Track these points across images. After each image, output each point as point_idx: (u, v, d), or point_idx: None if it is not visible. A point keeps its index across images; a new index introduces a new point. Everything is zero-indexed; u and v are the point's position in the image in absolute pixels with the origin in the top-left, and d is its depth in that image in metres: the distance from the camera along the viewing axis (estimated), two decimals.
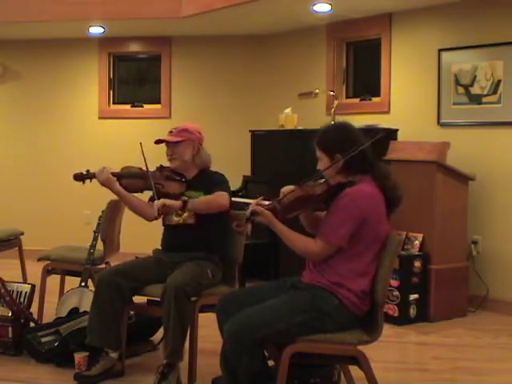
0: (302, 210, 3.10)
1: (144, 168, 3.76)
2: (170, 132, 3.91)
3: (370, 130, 5.38)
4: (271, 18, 6.10)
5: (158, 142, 3.86)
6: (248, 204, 3.05)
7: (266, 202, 2.99)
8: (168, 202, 3.60)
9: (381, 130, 5.43)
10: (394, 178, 3.11)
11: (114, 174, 3.78)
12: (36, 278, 4.59)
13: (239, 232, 3.06)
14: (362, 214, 2.92)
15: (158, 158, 3.89)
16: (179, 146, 3.83)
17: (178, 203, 3.60)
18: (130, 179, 3.81)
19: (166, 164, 3.91)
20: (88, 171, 3.83)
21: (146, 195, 3.85)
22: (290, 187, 3.03)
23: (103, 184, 3.76)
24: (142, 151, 3.70)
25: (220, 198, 3.69)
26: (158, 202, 3.57)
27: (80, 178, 3.84)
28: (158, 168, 3.89)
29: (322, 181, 3.03)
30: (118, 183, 3.78)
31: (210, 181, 3.81)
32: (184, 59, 7.15)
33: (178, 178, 3.84)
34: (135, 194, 3.86)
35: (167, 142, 3.86)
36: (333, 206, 2.99)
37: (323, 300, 2.94)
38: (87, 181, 3.83)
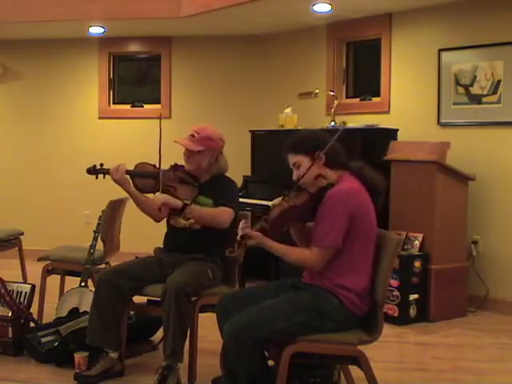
0: (291, 224, 3.12)
1: (157, 164, 3.69)
2: (192, 136, 3.76)
3: (368, 130, 5.39)
4: (271, 18, 6.10)
5: (177, 142, 3.76)
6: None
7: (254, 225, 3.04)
8: (170, 199, 3.59)
9: (378, 129, 5.45)
10: (372, 169, 3.12)
11: (128, 172, 3.73)
12: (36, 278, 4.59)
13: (232, 258, 3.13)
14: (348, 211, 2.92)
15: (167, 153, 3.74)
16: (199, 153, 3.75)
17: (178, 203, 3.59)
18: (144, 179, 3.75)
19: (180, 162, 3.84)
20: (102, 165, 3.75)
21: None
22: (276, 201, 3.07)
23: (116, 182, 3.71)
24: (160, 130, 3.59)
25: (221, 214, 3.65)
26: (161, 198, 3.57)
27: (93, 172, 3.76)
28: (172, 167, 3.81)
29: (303, 191, 3.04)
30: (131, 184, 3.73)
31: (220, 188, 3.76)
32: (184, 59, 7.15)
33: (191, 181, 3.77)
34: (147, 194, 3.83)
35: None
36: (319, 213, 2.99)
37: (323, 300, 2.95)
38: (100, 176, 3.77)
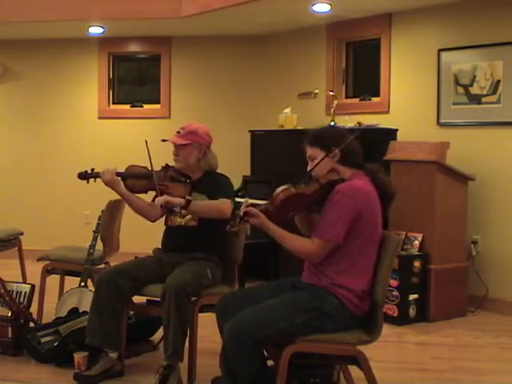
0: (295, 211, 3.10)
1: (149, 167, 3.73)
2: (178, 132, 3.84)
3: (368, 130, 5.39)
4: (271, 18, 6.10)
5: (164, 140, 3.81)
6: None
7: (259, 202, 3.01)
8: (171, 198, 3.59)
9: (378, 129, 5.45)
10: (385, 174, 3.13)
11: (118, 174, 3.76)
12: (36, 278, 4.59)
13: (233, 233, 3.10)
14: (356, 208, 2.91)
15: (162, 156, 3.83)
16: (185, 148, 3.80)
17: (181, 200, 3.58)
18: (135, 180, 3.79)
19: (172, 163, 3.88)
20: (93, 170, 3.81)
21: (149, 195, 3.84)
22: (282, 188, 3.05)
23: (107, 184, 3.75)
24: (148, 149, 3.66)
25: (223, 205, 3.68)
26: (160, 198, 3.57)
27: (84, 176, 3.82)
28: (163, 167, 3.85)
29: (313, 181, 3.04)
30: (122, 184, 3.76)
31: (214, 184, 3.79)
32: (184, 59, 7.15)
33: (183, 179, 3.80)
34: (139, 195, 3.85)
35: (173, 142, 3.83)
36: (326, 204, 2.99)
37: (323, 300, 2.94)
38: (91, 180, 3.81)
